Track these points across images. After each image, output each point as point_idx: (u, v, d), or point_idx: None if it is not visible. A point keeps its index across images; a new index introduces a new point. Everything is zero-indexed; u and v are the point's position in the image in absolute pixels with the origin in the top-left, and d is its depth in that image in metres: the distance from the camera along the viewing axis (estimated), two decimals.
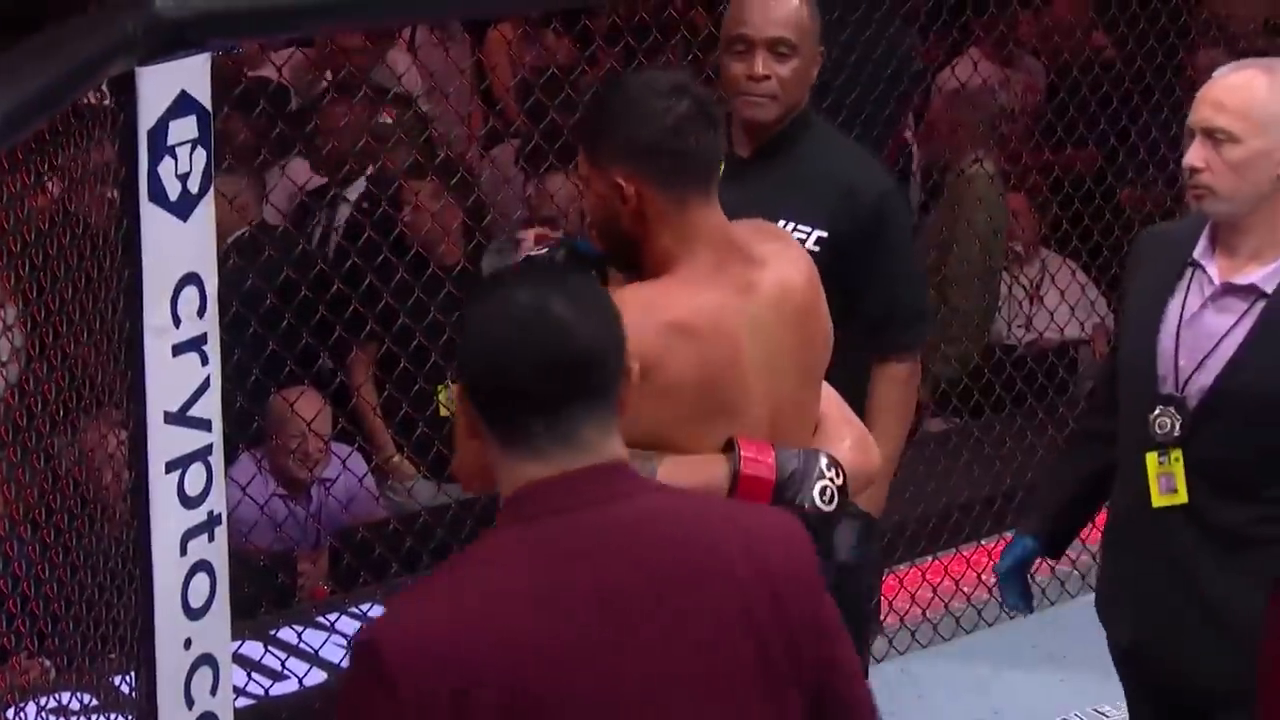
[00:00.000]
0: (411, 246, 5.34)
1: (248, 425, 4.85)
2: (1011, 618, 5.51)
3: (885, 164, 3.94)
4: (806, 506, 2.87)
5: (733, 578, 2.19)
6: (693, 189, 2.85)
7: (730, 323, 2.84)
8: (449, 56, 5.90)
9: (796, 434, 2.95)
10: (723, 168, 2.89)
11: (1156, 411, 3.41)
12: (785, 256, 2.97)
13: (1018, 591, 3.83)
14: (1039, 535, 3.76)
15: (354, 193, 5.70)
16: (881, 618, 5.34)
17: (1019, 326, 6.46)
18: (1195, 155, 3.35)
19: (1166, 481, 3.42)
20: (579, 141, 2.96)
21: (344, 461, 5.13)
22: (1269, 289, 3.37)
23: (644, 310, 2.72)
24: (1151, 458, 3.42)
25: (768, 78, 3.52)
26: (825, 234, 3.60)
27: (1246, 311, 3.38)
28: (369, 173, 5.75)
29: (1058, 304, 6.32)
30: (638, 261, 2.88)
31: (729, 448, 2.86)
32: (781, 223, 3.54)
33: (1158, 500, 3.43)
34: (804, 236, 3.58)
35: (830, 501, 2.91)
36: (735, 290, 2.87)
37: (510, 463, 2.19)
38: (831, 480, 2.92)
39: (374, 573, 5.00)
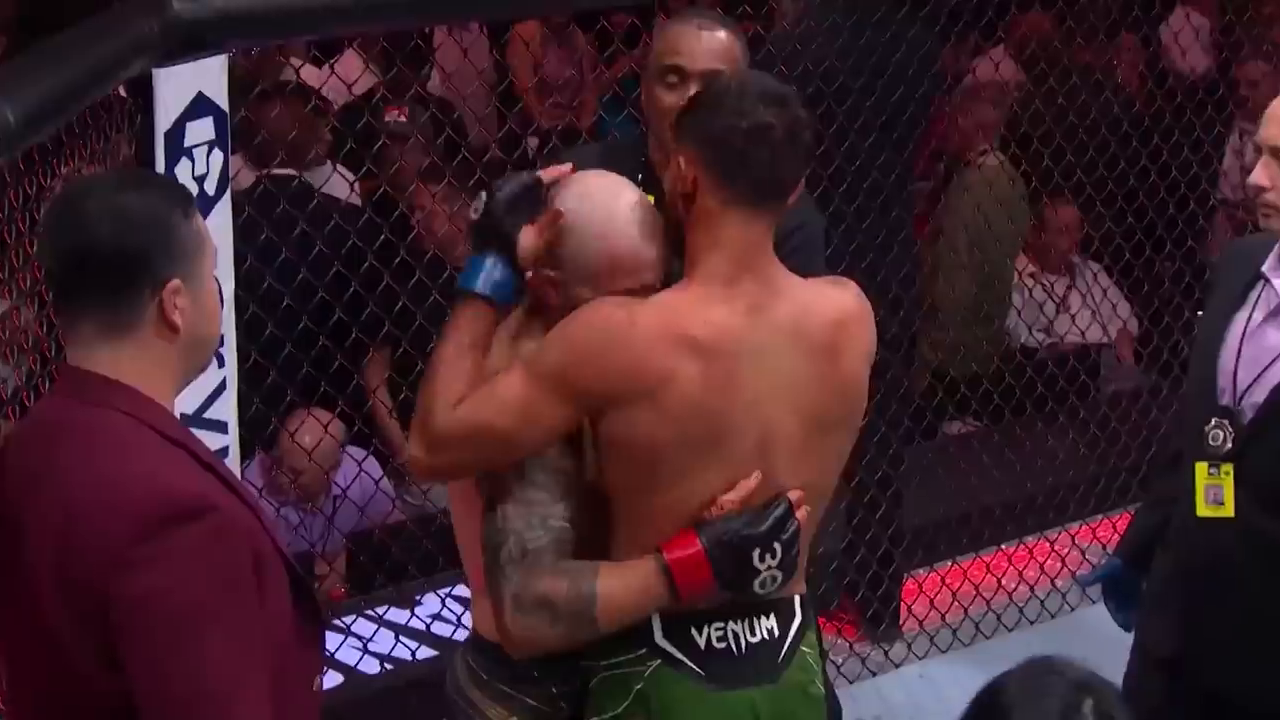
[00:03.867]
0: (428, 249, 5.38)
1: (263, 429, 4.88)
2: (1032, 623, 5.55)
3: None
4: (763, 570, 2.84)
5: (38, 512, 2.29)
6: (740, 197, 2.83)
7: (728, 343, 2.81)
8: (467, 57, 5.94)
9: (791, 480, 2.87)
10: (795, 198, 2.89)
11: (1212, 424, 3.41)
12: (818, 292, 2.93)
13: (1114, 607, 3.79)
14: (1125, 554, 3.75)
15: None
16: (900, 623, 5.39)
17: (1039, 330, 6.48)
18: (1260, 174, 3.36)
19: (1213, 494, 3.41)
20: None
21: (360, 464, 5.17)
22: None
23: (661, 326, 2.79)
24: (1201, 468, 3.42)
25: None
26: None
27: None
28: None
29: (1079, 307, 6.35)
30: (682, 249, 2.89)
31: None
32: None
33: (1201, 510, 3.42)
34: None
35: (775, 558, 2.84)
36: (743, 309, 2.83)
37: None
38: (773, 541, 2.83)
39: (390, 575, 5.03)
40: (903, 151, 5.37)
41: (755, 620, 2.92)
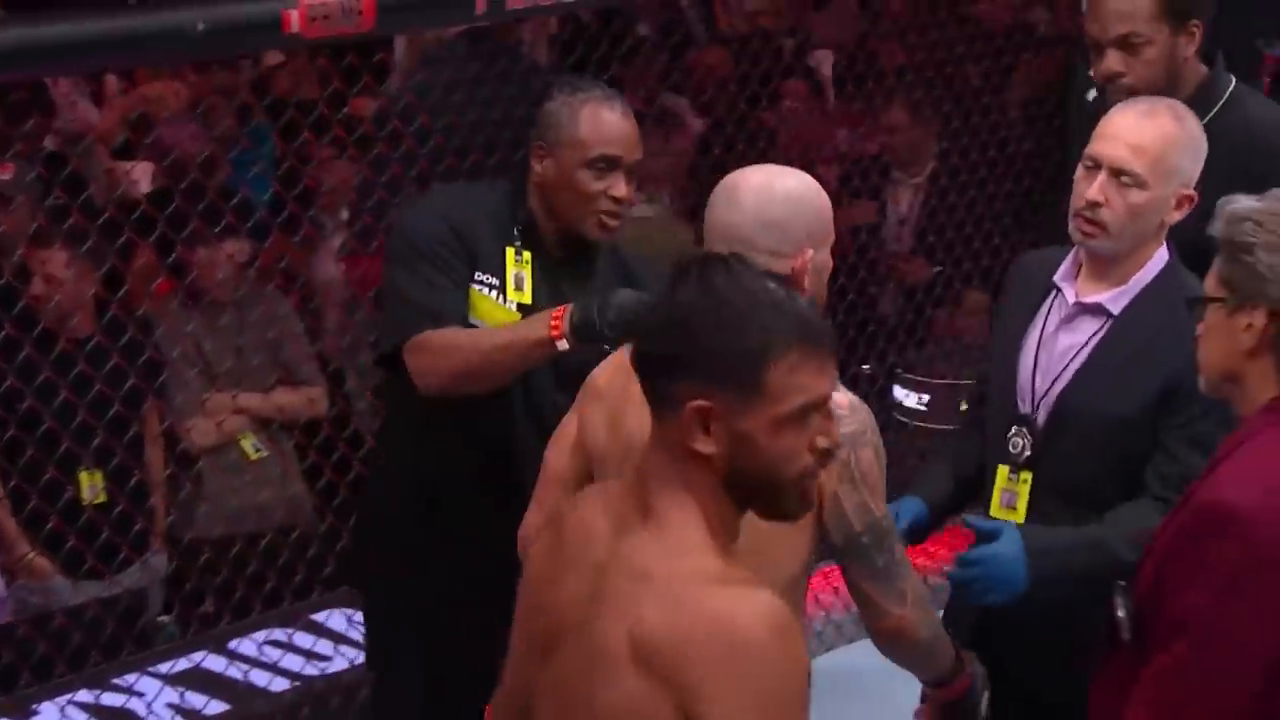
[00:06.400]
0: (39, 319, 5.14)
1: None
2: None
3: None
4: None
5: None
6: None
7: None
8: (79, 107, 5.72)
9: None
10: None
11: (1012, 431, 3.62)
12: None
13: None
14: (927, 500, 3.73)
15: None
16: None
17: None
18: (1098, 190, 3.51)
19: (1008, 498, 3.62)
20: None
21: None
22: (1115, 310, 3.56)
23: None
24: (1003, 471, 3.63)
25: (631, 201, 3.72)
26: None
27: (1095, 332, 3.57)
28: None
29: None
30: None
31: None
32: None
33: (995, 511, 3.62)
34: None
35: None
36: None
37: None
38: None
39: (0, 683, 4.80)
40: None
41: None
